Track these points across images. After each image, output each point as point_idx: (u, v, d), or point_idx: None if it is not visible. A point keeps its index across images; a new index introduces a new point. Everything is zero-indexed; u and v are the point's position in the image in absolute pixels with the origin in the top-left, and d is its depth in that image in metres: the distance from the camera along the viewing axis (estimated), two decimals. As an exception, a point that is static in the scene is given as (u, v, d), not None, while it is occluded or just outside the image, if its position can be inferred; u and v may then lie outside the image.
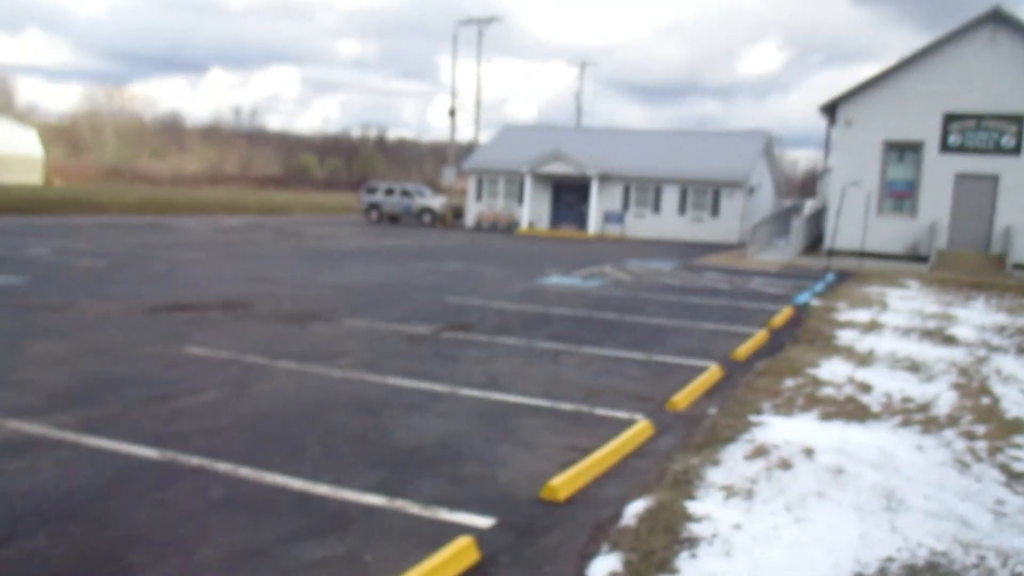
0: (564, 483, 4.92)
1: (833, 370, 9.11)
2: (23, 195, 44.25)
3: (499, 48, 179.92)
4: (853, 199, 24.84)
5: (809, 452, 5.88)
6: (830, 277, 20.70)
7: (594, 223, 37.70)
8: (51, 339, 8.85)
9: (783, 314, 13.34)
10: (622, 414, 6.85)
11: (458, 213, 42.58)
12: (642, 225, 37.85)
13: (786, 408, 7.26)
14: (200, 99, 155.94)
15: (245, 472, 5.04)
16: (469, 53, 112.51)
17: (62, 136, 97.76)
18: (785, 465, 5.54)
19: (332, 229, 33.34)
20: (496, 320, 11.64)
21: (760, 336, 11.12)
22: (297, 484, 4.89)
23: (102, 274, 14.87)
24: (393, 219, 41.56)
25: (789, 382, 8.37)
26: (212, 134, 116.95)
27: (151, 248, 20.54)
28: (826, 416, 7.09)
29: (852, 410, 7.36)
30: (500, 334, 10.46)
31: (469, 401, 7.10)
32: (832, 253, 24.83)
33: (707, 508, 4.65)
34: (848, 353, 10.20)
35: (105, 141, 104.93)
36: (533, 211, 39.09)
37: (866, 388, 8.30)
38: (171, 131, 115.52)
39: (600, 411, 6.95)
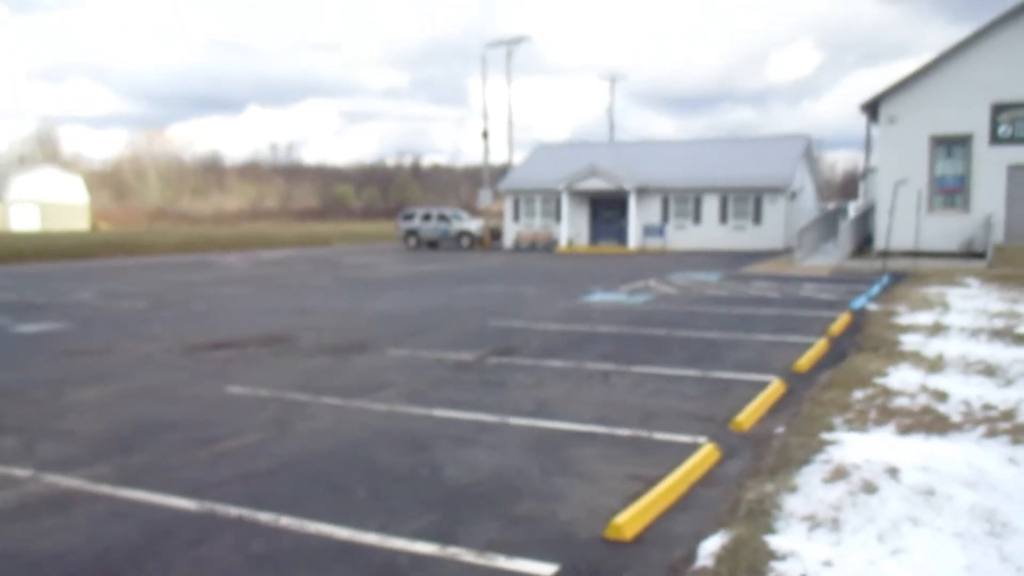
0: (630, 520, 4.53)
1: (903, 378, 8.57)
2: (69, 241, 45.12)
3: (528, 68, 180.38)
4: (902, 197, 24.07)
5: (893, 471, 5.40)
6: (884, 279, 19.98)
7: (634, 237, 37.23)
8: (91, 385, 8.69)
9: (841, 321, 12.77)
10: (684, 437, 6.43)
11: (496, 234, 42.40)
12: (683, 236, 37.29)
13: (859, 423, 6.77)
14: (238, 137, 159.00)
15: (287, 522, 4.72)
16: (499, 75, 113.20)
17: (106, 181, 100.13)
18: (869, 488, 5.08)
19: (371, 257, 33.32)
20: (541, 342, 11.27)
21: (820, 345, 10.59)
22: (343, 533, 4.56)
23: (144, 315, 14.83)
24: (431, 244, 41.50)
25: (858, 394, 7.87)
26: (251, 171, 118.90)
27: (192, 286, 20.58)
28: (904, 430, 6.58)
29: (930, 422, 6.84)
30: (547, 357, 10.09)
31: (520, 431, 6.74)
32: (883, 254, 24.05)
33: (791, 543, 4.22)
34: (916, 359, 9.64)
35: (148, 184, 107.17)
36: (572, 228, 38.73)
37: (941, 396, 7.76)
38: (211, 170, 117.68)
39: (660, 435, 6.53)
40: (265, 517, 4.79)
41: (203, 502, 5.04)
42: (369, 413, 7.37)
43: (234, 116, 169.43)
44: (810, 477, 5.31)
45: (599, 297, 16.91)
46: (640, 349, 10.62)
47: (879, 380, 8.47)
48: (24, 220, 74.00)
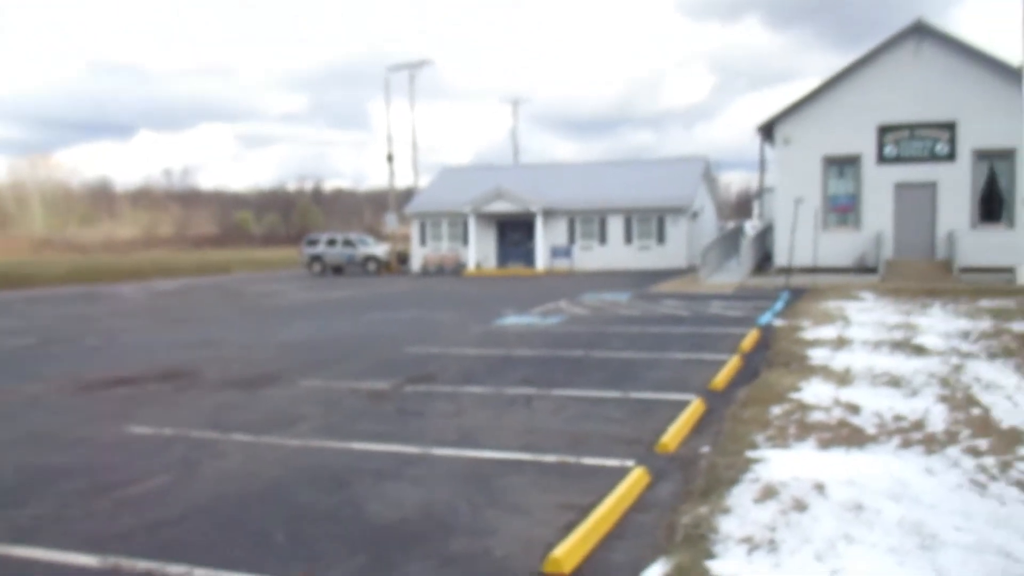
0: (568, 552, 4.37)
1: (816, 392, 8.75)
2: (-54, 274, 42.30)
3: (432, 91, 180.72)
4: (798, 215, 24.96)
5: (820, 488, 5.44)
6: (786, 295, 20.61)
7: (542, 259, 37.46)
8: (-26, 430, 8.01)
9: (750, 337, 13.03)
10: (612, 462, 6.34)
11: (403, 259, 41.98)
12: (590, 257, 37.73)
13: (780, 439, 6.84)
14: (129, 163, 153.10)
15: (201, 574, 4.38)
16: (402, 99, 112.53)
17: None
18: (800, 506, 5.09)
19: (275, 285, 32.43)
20: (459, 368, 11.07)
21: (733, 362, 10.75)
22: (264, 583, 4.25)
23: (30, 352, 13.91)
24: (337, 270, 40.75)
25: (775, 409, 7.97)
26: (143, 197, 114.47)
27: (83, 320, 19.50)
28: (824, 444, 6.68)
29: (848, 435, 6.97)
30: (465, 383, 9.90)
31: (444, 462, 6.52)
32: (784, 271, 24.86)
33: (732, 568, 4.15)
34: (826, 373, 9.88)
35: (31, 212, 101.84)
36: (479, 251, 38.70)
37: (854, 409, 7.94)
38: (101, 197, 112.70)
39: (587, 460, 6.43)
40: (176, 570, 4.43)
41: (106, 557, 4.63)
42: (283, 449, 7.01)
43: (124, 141, 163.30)
44: (741, 497, 5.29)
45: (513, 320, 16.83)
46: (559, 372, 10.55)
47: (794, 395, 8.63)
48: None
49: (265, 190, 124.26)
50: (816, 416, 7.65)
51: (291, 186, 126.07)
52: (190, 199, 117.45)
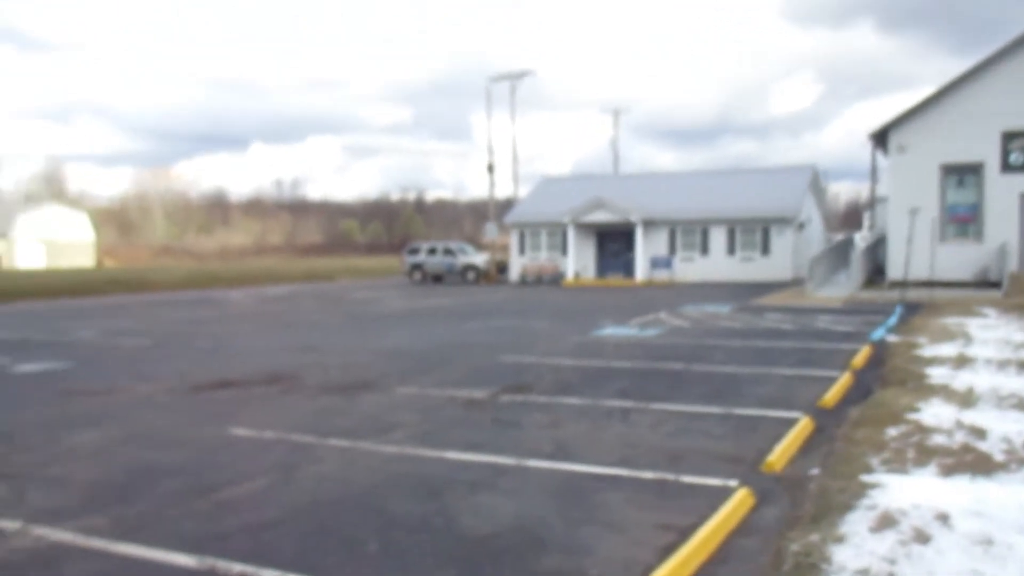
0: (667, 576, 4.15)
1: (936, 414, 8.19)
2: (74, 278, 44.97)
3: (532, 102, 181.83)
4: (914, 226, 23.75)
5: (944, 518, 5.02)
6: (899, 309, 19.61)
7: (641, 270, 36.94)
8: (89, 428, 8.35)
9: (862, 353, 12.40)
10: (713, 480, 6.06)
11: (502, 268, 42.16)
12: (691, 268, 36.99)
13: (898, 463, 6.39)
14: (243, 174, 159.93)
15: (294, 580, 4.36)
16: (503, 109, 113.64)
17: (112, 219, 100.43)
18: (922, 538, 4.70)
19: (377, 292, 33.05)
20: (555, 378, 10.91)
21: (844, 380, 10.21)
22: (354, 592, 4.20)
23: (146, 353, 14.52)
24: (437, 279, 41.25)
25: (892, 431, 7.48)
26: (255, 207, 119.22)
27: (196, 323, 20.28)
28: (946, 470, 6.20)
29: (973, 461, 6.46)
30: (561, 394, 9.73)
31: (538, 474, 6.37)
32: (899, 284, 23.69)
33: (846, 602, 3.84)
34: (946, 393, 9.25)
35: (153, 221, 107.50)
36: (578, 261, 38.48)
37: (980, 433, 7.37)
38: (216, 207, 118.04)
39: (687, 478, 6.16)
40: (270, 575, 4.43)
41: (203, 558, 4.68)
42: (378, 456, 7.01)
43: (239, 153, 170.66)
44: (856, 525, 4.93)
45: (611, 331, 16.56)
46: (658, 385, 10.26)
47: (912, 416, 8.09)
48: (30, 258, 74.08)
49: (369, 200, 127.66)
50: (937, 440, 7.14)
51: (394, 196, 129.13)
52: (299, 209, 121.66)
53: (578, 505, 5.58)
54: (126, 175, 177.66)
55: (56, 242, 77.75)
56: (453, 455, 6.96)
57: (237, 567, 4.54)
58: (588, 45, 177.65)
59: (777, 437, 7.24)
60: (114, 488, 6.18)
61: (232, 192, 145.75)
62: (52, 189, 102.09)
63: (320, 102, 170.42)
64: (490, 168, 44.32)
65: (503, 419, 8.43)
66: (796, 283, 31.98)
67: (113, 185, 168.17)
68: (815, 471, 6.32)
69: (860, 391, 9.68)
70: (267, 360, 13.22)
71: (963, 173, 24.83)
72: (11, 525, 5.34)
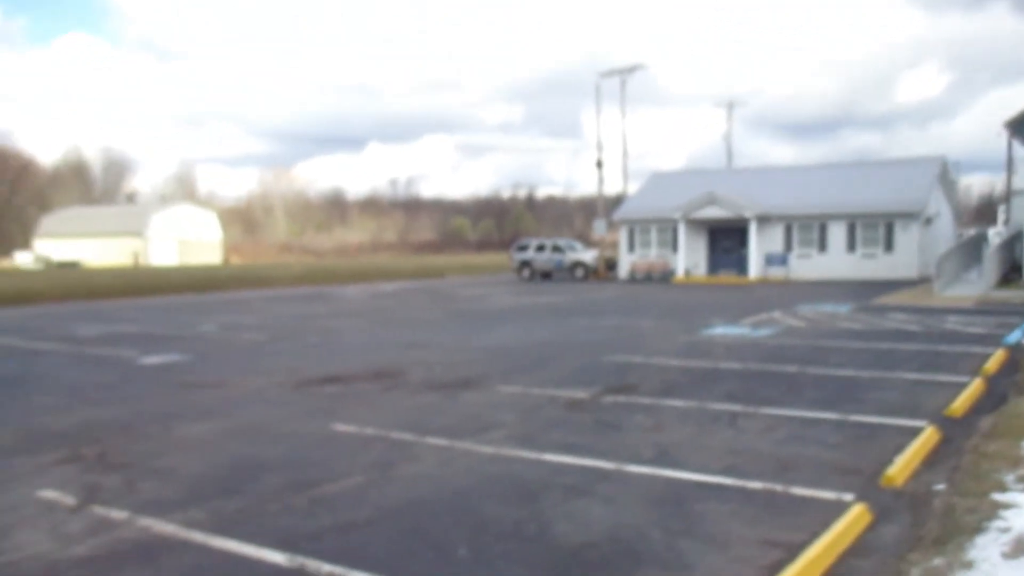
0: (771, 599, 3.86)
1: (1081, 426, 7.46)
2: (202, 274, 47.28)
3: (642, 97, 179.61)
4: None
5: (1091, 546, 4.51)
6: (1039, 311, 18.19)
7: (755, 267, 35.76)
8: (201, 420, 8.62)
9: (995, 358, 11.51)
10: (826, 494, 5.67)
11: (611, 265, 41.70)
12: (807, 266, 35.55)
13: (1037, 481, 5.82)
14: (360, 173, 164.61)
15: (381, 583, 4.29)
16: (613, 106, 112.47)
17: (238, 217, 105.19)
18: (1065, 567, 4.22)
19: (485, 289, 33.25)
20: (660, 379, 10.59)
21: (975, 386, 9.48)
22: (440, 600, 4.09)
23: (260, 347, 14.99)
24: (545, 275, 41.17)
25: (1029, 444, 6.85)
26: (371, 206, 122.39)
27: (310, 318, 20.86)
28: (1094, 491, 5.60)
29: (1126, 481, 5.82)
30: (666, 396, 9.42)
31: (638, 481, 6.13)
32: (1036, 284, 22.01)
33: (975, 638, 3.46)
34: (1093, 403, 8.44)
35: (276, 219, 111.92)
36: (689, 258, 37.61)
37: None
38: (334, 206, 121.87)
39: (797, 490, 5.79)
40: (358, 577, 4.38)
41: (295, 556, 4.68)
42: (475, 456, 6.92)
43: (356, 153, 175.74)
44: (987, 550, 4.48)
45: (721, 330, 16.02)
46: (769, 388, 9.79)
47: (1053, 428, 7.40)
48: (163, 255, 78.43)
49: (481, 197, 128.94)
50: (1082, 455, 6.48)
51: (505, 193, 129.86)
52: (412, 207, 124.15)
53: (679, 516, 5.32)
54: (251, 176, 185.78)
55: (187, 240, 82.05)
56: (551, 457, 6.80)
57: (327, 567, 4.51)
58: (701, 37, 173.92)
59: (898, 448, 6.74)
60: (217, 481, 6.32)
61: (349, 191, 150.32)
62: (184, 190, 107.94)
63: (435, 103, 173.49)
64: (599, 164, 43.91)
65: (605, 421, 8.21)
66: (922, 282, 30.24)
67: (239, 186, 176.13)
68: (941, 487, 5.82)
69: (993, 399, 8.95)
70: (373, 356, 13.41)
71: (1114, 162, 22.85)
72: (119, 515, 5.51)
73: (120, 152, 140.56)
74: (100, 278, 44.02)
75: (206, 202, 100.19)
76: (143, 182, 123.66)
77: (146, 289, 35.06)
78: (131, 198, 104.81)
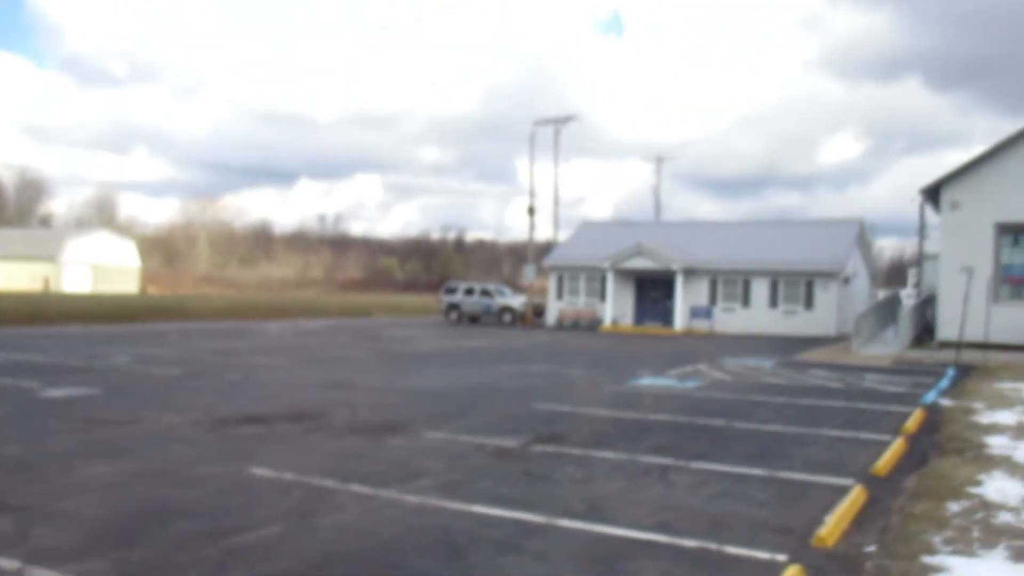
0: (710, 668, 3.70)
1: (1000, 489, 7.60)
2: (117, 304, 45.52)
3: (575, 147, 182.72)
4: (969, 286, 22.93)
5: (1022, 613, 4.50)
6: (951, 372, 18.81)
7: (680, 319, 36.31)
8: (107, 460, 8.09)
9: (915, 417, 11.76)
10: (760, 554, 5.58)
11: (539, 311, 41.79)
12: (731, 319, 36.28)
13: (963, 544, 5.85)
14: (288, 208, 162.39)
15: (297, 647, 3.98)
16: (546, 153, 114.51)
17: (158, 246, 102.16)
18: (999, 636, 4.19)
19: (412, 331, 32.84)
20: (590, 429, 10.47)
21: (897, 445, 9.62)
22: (361, 666, 3.80)
23: (175, 383, 14.35)
24: (473, 319, 41.00)
25: (953, 506, 6.93)
26: (298, 241, 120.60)
27: (230, 354, 20.16)
28: (1018, 555, 5.65)
29: (1046, 545, 5.90)
30: (596, 447, 9.28)
31: (569, 536, 5.93)
32: (953, 345, 22.82)
33: None
34: (1009, 465, 8.65)
35: (198, 250, 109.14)
36: (616, 308, 37.97)
37: (1051, 513, 6.79)
38: (260, 239, 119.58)
39: (731, 549, 5.68)
40: (272, 639, 4.06)
41: (203, 614, 4.33)
42: (400, 506, 6.63)
43: (286, 187, 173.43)
44: (922, 616, 4.43)
45: (648, 381, 16.06)
46: (698, 442, 9.76)
47: (974, 490, 7.53)
48: (77, 282, 75.44)
49: (410, 238, 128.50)
50: (1004, 518, 6.58)
51: (435, 235, 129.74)
52: (340, 244, 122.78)
53: (610, 574, 5.14)
54: (174, 205, 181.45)
55: (103, 267, 79.19)
56: (480, 509, 6.56)
57: (238, 628, 4.18)
58: (634, 92, 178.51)
59: (828, 506, 6.72)
60: (122, 528, 5.88)
61: (276, 225, 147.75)
62: (103, 216, 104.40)
63: (368, 139, 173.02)
64: (530, 211, 44.24)
65: (534, 472, 8.01)
66: (840, 339, 31.13)
67: (161, 214, 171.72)
68: (871, 548, 5.80)
69: (915, 459, 9.10)
70: (295, 396, 12.96)
71: (1019, 232, 24.02)
72: (9, 564, 5.05)
73: (36, 173, 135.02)
74: (6, 303, 41.96)
75: (126, 228, 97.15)
76: (60, 206, 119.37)
77: (55, 317, 33.53)
78: (45, 222, 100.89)
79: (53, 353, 19.33)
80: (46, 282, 72.73)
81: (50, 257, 74.79)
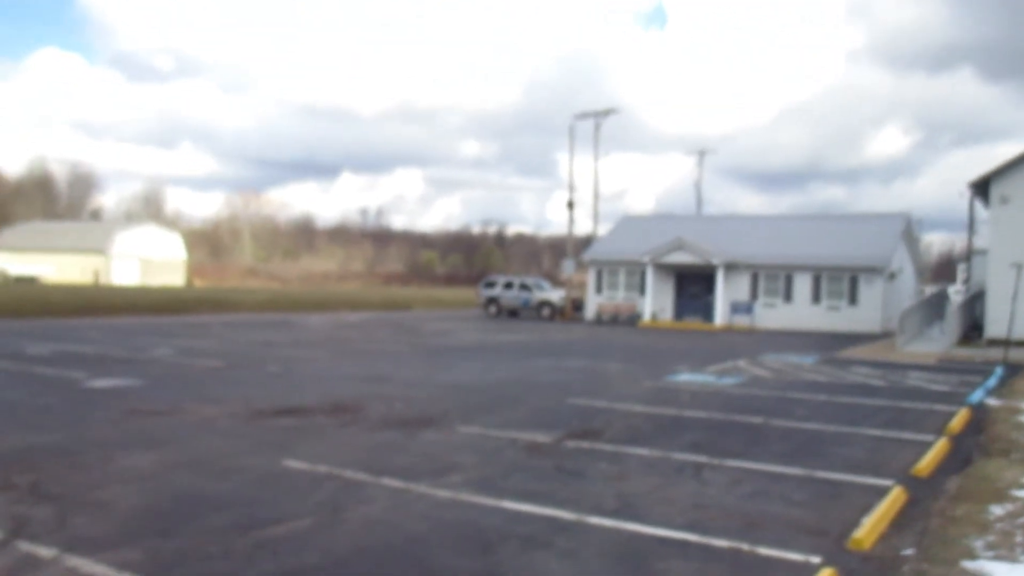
0: (737, 672, 3.63)
1: (1047, 492, 7.38)
2: (163, 296, 46.46)
3: (615, 140, 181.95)
4: (1019, 282, 22.32)
5: (1065, 622, 4.35)
6: (1000, 371, 18.34)
7: (721, 314, 35.90)
8: (146, 450, 8.23)
9: (960, 417, 11.47)
10: (794, 555, 5.48)
11: (578, 306, 41.64)
12: (772, 315, 35.77)
13: (1006, 548, 5.69)
14: (330, 202, 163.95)
15: (322, 640, 4.00)
16: (586, 147, 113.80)
17: (204, 240, 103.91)
18: (1040, 645, 4.05)
19: (451, 324, 32.96)
20: (624, 425, 10.39)
21: (940, 445, 9.39)
22: (384, 661, 3.80)
23: (217, 374, 14.56)
24: (512, 313, 41.00)
25: (996, 509, 6.74)
26: (340, 234, 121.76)
27: (270, 346, 20.42)
28: (1063, 561, 5.47)
29: (1094, 551, 5.70)
30: (630, 443, 9.21)
31: (599, 533, 5.89)
32: (994, 342, 22.26)
33: None
34: (1057, 468, 8.39)
35: (242, 243, 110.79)
36: (656, 302, 37.68)
37: (1099, 518, 6.57)
38: (303, 233, 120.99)
39: (764, 550, 5.59)
40: (297, 632, 4.08)
41: (231, 606, 4.37)
42: (431, 500, 6.64)
43: (328, 181, 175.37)
44: (959, 624, 4.31)
45: (686, 377, 15.90)
46: (734, 439, 9.63)
47: (1018, 493, 7.31)
48: (125, 274, 77.08)
49: (451, 232, 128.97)
50: (1050, 523, 6.37)
51: (476, 229, 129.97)
52: (382, 238, 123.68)
53: (640, 574, 5.08)
54: (219, 199, 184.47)
55: (150, 260, 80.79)
56: (510, 505, 6.54)
57: (265, 620, 4.21)
58: (675, 83, 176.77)
59: (865, 508, 6.58)
60: (157, 518, 5.97)
61: (319, 219, 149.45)
62: (150, 209, 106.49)
63: (409, 133, 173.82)
64: (570, 205, 44.06)
65: (566, 467, 7.97)
66: (885, 336, 30.53)
67: (207, 208, 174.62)
68: (909, 551, 5.66)
69: (958, 460, 8.87)
70: (332, 388, 13.07)
71: (1073, 228, 23.32)
72: (47, 553, 5.16)
73: (87, 168, 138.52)
74: (57, 295, 43.03)
75: (172, 222, 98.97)
76: (109, 200, 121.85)
77: (104, 308, 34.27)
78: (96, 215, 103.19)
79: (100, 344, 19.75)
80: (96, 274, 74.39)
81: (100, 250, 76.48)
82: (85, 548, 5.24)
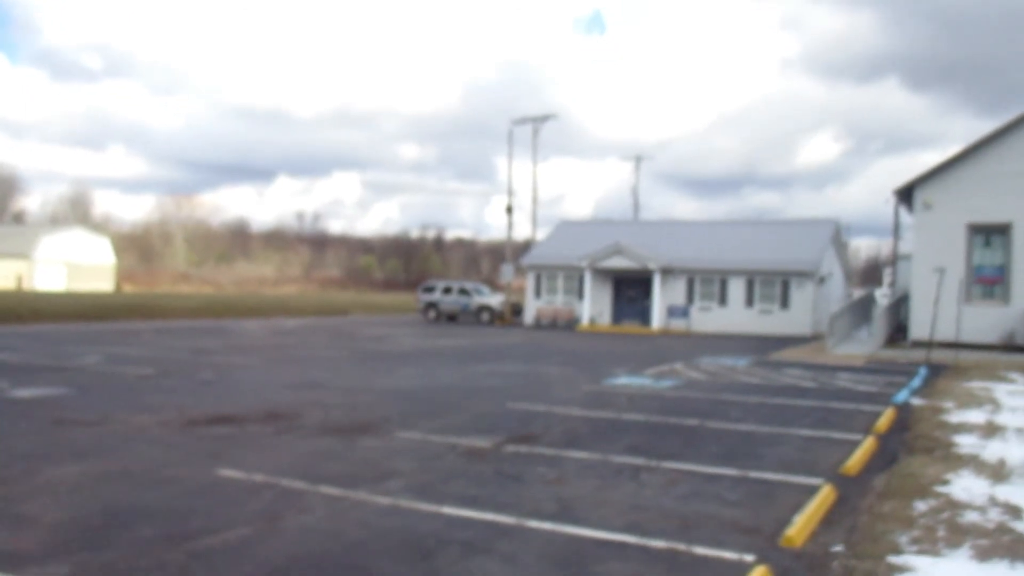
0: (673, 671, 3.70)
1: (967, 488, 7.68)
2: (91, 302, 45.02)
3: (554, 146, 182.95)
4: (940, 286, 23.19)
5: (983, 613, 4.54)
6: (923, 371, 19.02)
7: (658, 318, 36.44)
8: (73, 461, 7.98)
9: (886, 416, 11.87)
10: (728, 554, 5.59)
11: (517, 310, 41.79)
12: (708, 319, 36.46)
13: (929, 543, 5.90)
14: (266, 206, 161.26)
15: (259, 652, 3.94)
16: (525, 152, 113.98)
17: (134, 244, 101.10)
18: (960, 635, 4.22)
19: (389, 329, 32.73)
20: (563, 429, 10.47)
21: (867, 444, 9.70)
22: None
23: (148, 383, 14.19)
24: (451, 318, 40.95)
25: (920, 505, 6.99)
26: (276, 239, 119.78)
27: (204, 353, 19.98)
28: (982, 554, 5.71)
29: (1010, 544, 5.97)
30: (569, 447, 9.28)
31: (539, 537, 5.92)
32: (924, 344, 23.08)
33: None
34: (976, 464, 8.74)
35: (174, 248, 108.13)
36: (594, 307, 38.05)
37: (1016, 512, 6.87)
38: (238, 237, 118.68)
39: (700, 549, 5.69)
40: (233, 644, 4.01)
41: (164, 619, 4.27)
42: (370, 508, 6.59)
43: (264, 184, 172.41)
44: (885, 617, 4.46)
45: (624, 380, 16.09)
46: (671, 441, 9.79)
47: (941, 489, 7.60)
48: (51, 280, 74.55)
49: (389, 237, 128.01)
50: (970, 517, 6.64)
51: (415, 234, 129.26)
52: (319, 242, 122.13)
53: (579, 576, 5.13)
54: (150, 202, 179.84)
55: (77, 265, 78.32)
56: (450, 510, 6.53)
57: (199, 633, 4.13)
58: (615, 91, 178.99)
59: (796, 506, 6.76)
60: (85, 531, 5.79)
61: (254, 223, 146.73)
62: (77, 213, 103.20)
63: (347, 137, 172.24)
64: (508, 210, 44.22)
65: (505, 472, 7.99)
66: (815, 338, 31.39)
67: (137, 211, 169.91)
68: (838, 548, 5.83)
69: (884, 458, 9.17)
70: (268, 396, 12.86)
71: (990, 233, 24.34)
72: (-33, 569, 4.96)
73: (9, 169, 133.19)
74: (-23, 301, 41.36)
75: (101, 226, 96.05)
76: (33, 202, 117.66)
77: (28, 315, 33.07)
78: (19, 218, 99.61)
79: (24, 352, 19.07)
80: (19, 280, 71.81)
81: (23, 254, 73.86)
82: (8, 564, 5.06)
